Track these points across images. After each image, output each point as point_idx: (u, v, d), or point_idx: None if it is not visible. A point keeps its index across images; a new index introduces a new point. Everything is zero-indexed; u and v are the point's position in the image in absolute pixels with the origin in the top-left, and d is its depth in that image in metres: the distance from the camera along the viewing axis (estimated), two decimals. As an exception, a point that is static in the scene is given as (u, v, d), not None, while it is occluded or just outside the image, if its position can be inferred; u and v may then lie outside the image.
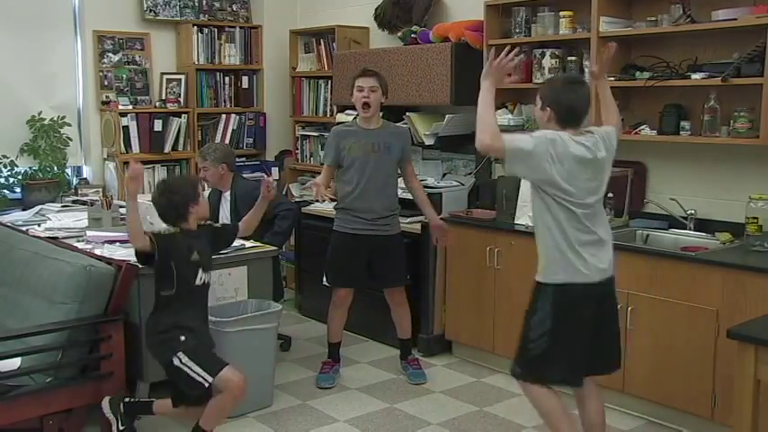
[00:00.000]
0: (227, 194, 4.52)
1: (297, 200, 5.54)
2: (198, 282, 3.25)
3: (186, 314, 3.23)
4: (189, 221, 3.27)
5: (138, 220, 3.17)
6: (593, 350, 2.93)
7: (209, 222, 3.53)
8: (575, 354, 2.89)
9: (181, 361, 3.12)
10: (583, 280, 2.83)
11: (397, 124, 4.43)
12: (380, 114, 4.12)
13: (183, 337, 3.18)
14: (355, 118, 4.19)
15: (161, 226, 3.99)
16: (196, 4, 5.85)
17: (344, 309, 4.19)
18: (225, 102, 5.97)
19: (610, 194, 4.08)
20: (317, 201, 4.05)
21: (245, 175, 5.09)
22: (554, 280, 2.86)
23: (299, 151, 6.12)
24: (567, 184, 2.75)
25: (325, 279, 4.21)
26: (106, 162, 5.55)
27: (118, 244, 3.96)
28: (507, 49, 2.89)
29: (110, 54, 5.57)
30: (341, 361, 4.29)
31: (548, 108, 2.85)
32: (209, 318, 3.49)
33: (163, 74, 5.76)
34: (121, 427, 3.38)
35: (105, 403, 3.41)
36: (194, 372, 3.11)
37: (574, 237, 2.81)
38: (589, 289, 2.85)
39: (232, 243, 3.68)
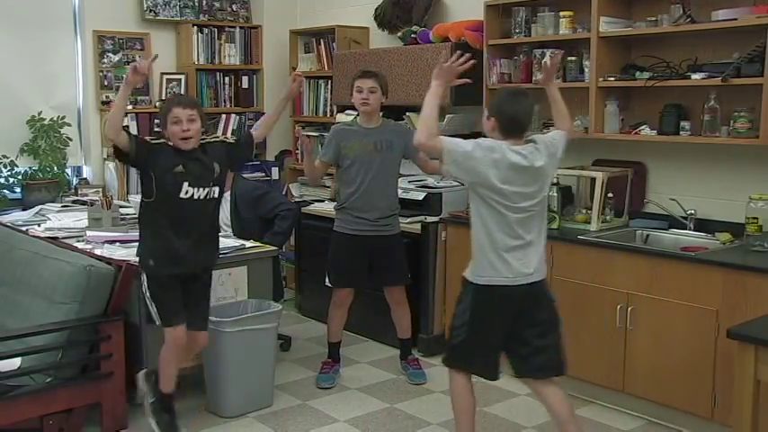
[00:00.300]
0: (227, 195, 4.51)
1: (297, 200, 5.54)
2: (184, 194, 3.24)
3: (165, 231, 3.27)
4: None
5: (122, 111, 3.24)
6: (525, 352, 3.02)
7: (221, 138, 3.52)
8: (489, 350, 3.06)
9: (145, 294, 3.29)
10: (505, 283, 2.94)
11: (397, 122, 4.43)
12: (380, 114, 4.12)
13: (151, 261, 3.29)
14: (355, 117, 4.18)
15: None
16: (196, 4, 5.85)
17: (345, 309, 4.19)
18: (225, 102, 5.98)
19: (610, 194, 4.09)
20: (303, 149, 4.04)
21: (244, 175, 5.09)
22: (476, 280, 2.99)
23: (299, 151, 6.12)
24: (503, 184, 2.85)
25: (327, 280, 4.21)
26: (106, 162, 5.54)
27: (118, 244, 3.96)
28: (458, 53, 3.03)
29: (110, 54, 5.57)
30: (341, 361, 4.29)
31: (492, 118, 2.96)
32: (210, 317, 3.49)
33: (163, 74, 5.76)
34: (151, 399, 3.41)
35: (141, 375, 3.46)
36: (152, 311, 3.30)
37: (501, 241, 2.91)
38: (510, 291, 2.94)
39: (251, 153, 3.67)
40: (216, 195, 3.36)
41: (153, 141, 3.31)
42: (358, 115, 4.13)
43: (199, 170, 3.29)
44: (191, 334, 3.38)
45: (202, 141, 3.35)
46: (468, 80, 3.14)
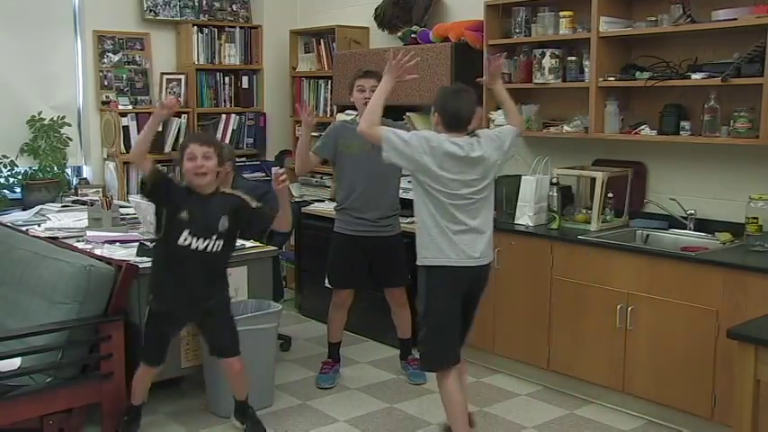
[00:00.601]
0: (228, 194, 4.52)
1: (297, 200, 5.54)
2: (182, 241, 3.22)
3: (162, 271, 3.29)
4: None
5: (148, 139, 3.24)
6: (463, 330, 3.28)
7: (242, 197, 3.40)
8: (451, 336, 3.20)
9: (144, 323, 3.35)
10: (450, 263, 3.12)
11: (396, 122, 4.42)
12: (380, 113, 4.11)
13: (151, 296, 3.33)
14: (356, 117, 4.18)
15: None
16: (196, 4, 5.85)
17: (345, 310, 4.19)
18: (225, 102, 5.98)
19: (610, 194, 4.09)
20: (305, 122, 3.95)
21: (245, 175, 5.09)
22: (423, 262, 3.17)
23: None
24: (440, 171, 3.06)
25: (326, 281, 4.21)
26: (106, 162, 5.55)
27: (118, 244, 3.96)
28: (404, 52, 3.27)
29: (110, 54, 5.57)
30: (341, 361, 4.29)
31: (436, 113, 3.19)
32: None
33: (163, 74, 5.76)
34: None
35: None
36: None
37: (443, 224, 3.11)
38: (458, 273, 3.13)
39: (267, 226, 3.49)
40: (219, 249, 3.28)
41: (175, 181, 3.32)
42: (358, 115, 4.12)
43: (203, 220, 3.23)
44: (222, 362, 3.44)
45: (223, 191, 3.33)
46: (414, 76, 3.35)
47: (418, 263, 3.20)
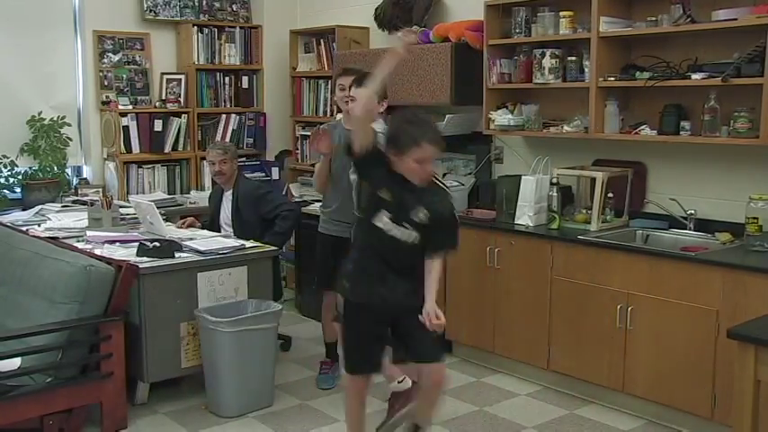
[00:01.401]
0: (229, 194, 4.53)
1: (297, 200, 5.54)
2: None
3: None
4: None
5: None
6: None
7: None
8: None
9: None
10: None
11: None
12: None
13: None
14: (340, 119, 4.06)
15: (161, 226, 4.01)
16: (196, 4, 5.85)
17: (335, 311, 4.14)
18: (225, 102, 5.97)
19: (610, 194, 4.09)
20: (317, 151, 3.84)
21: (246, 176, 5.09)
22: None
23: (299, 151, 6.12)
24: None
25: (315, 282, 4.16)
26: (106, 162, 5.55)
27: (118, 244, 3.96)
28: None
29: (110, 54, 5.57)
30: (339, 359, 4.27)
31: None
32: (209, 317, 3.49)
33: (163, 74, 5.76)
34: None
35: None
36: None
37: None
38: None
39: None
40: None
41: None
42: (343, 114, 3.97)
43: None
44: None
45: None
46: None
47: None
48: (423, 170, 2.83)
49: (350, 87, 3.78)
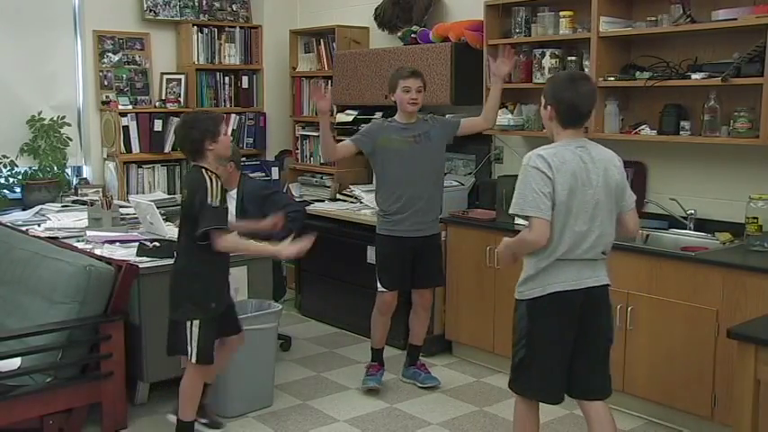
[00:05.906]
0: (233, 193, 4.51)
1: (298, 200, 5.54)
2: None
3: None
4: (207, 160, 3.17)
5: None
6: None
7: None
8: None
9: None
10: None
11: (427, 115, 4.21)
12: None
13: None
14: (386, 117, 4.11)
15: (161, 226, 4.00)
16: (196, 4, 5.85)
17: (390, 314, 4.08)
18: (225, 102, 5.97)
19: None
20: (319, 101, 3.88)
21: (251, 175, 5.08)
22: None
23: (299, 151, 6.12)
24: None
25: (378, 284, 4.05)
26: (106, 162, 5.55)
27: (118, 244, 3.96)
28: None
29: (110, 54, 5.57)
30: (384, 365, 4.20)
31: (549, 106, 2.78)
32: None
33: (163, 74, 5.76)
34: None
35: None
36: None
37: None
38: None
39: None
40: None
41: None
42: (387, 116, 4.01)
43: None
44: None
45: None
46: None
47: None
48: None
49: (417, 90, 3.86)
